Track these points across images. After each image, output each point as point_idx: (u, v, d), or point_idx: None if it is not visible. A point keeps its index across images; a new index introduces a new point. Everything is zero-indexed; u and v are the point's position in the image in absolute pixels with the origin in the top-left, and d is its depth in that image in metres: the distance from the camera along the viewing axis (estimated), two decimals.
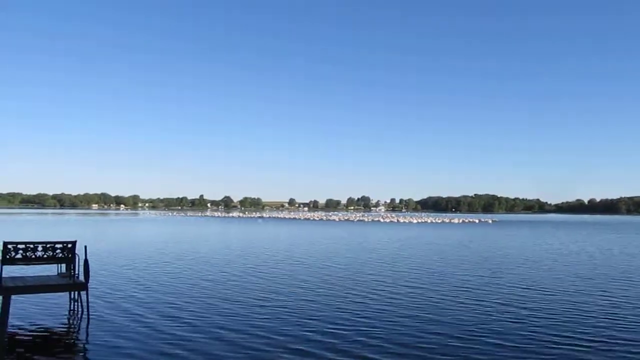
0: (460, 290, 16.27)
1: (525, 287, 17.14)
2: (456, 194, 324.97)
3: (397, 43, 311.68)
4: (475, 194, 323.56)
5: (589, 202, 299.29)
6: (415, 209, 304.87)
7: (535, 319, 12.20)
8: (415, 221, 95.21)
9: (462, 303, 14.20)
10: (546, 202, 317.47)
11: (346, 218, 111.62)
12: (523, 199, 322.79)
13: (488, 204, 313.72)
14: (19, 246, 11.75)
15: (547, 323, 11.83)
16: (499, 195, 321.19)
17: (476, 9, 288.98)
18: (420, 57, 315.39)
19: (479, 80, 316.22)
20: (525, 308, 13.53)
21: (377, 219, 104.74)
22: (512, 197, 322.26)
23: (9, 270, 11.87)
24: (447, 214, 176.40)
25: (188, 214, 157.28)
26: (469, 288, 16.77)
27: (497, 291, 16.21)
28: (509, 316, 12.53)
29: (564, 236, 51.15)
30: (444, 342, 10.19)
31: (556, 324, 11.73)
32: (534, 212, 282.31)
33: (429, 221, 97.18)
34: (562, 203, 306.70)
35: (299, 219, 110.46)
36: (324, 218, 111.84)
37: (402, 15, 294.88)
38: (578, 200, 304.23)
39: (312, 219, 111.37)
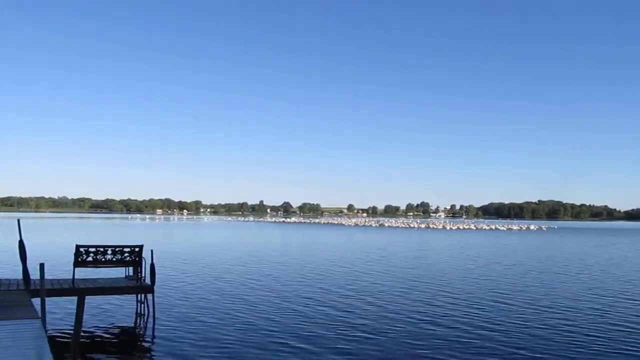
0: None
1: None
2: (519, 200, 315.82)
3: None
4: (539, 200, 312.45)
5: None
6: (476, 216, 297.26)
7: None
8: (448, 227, 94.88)
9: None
10: (615, 209, 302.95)
11: (380, 224, 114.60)
12: (590, 206, 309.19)
13: (553, 210, 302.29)
14: (90, 249, 12.27)
15: None
16: (564, 202, 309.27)
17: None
18: (491, 63, 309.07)
19: (548, 85, 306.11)
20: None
21: (420, 225, 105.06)
22: (578, 203, 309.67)
23: (79, 272, 12.40)
24: (502, 221, 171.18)
25: (243, 219, 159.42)
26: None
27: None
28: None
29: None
30: None
31: None
32: (602, 220, 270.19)
33: (473, 227, 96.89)
34: (633, 210, 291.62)
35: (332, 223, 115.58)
36: (363, 223, 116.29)
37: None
38: None
39: (346, 224, 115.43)
